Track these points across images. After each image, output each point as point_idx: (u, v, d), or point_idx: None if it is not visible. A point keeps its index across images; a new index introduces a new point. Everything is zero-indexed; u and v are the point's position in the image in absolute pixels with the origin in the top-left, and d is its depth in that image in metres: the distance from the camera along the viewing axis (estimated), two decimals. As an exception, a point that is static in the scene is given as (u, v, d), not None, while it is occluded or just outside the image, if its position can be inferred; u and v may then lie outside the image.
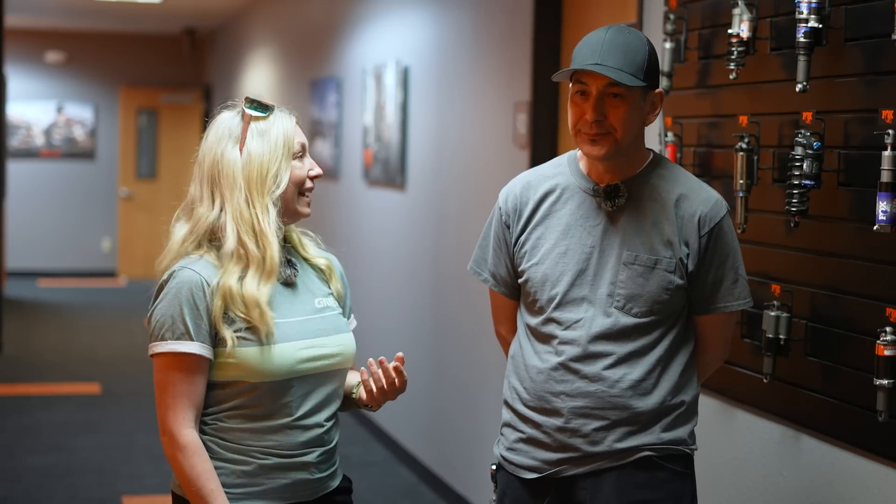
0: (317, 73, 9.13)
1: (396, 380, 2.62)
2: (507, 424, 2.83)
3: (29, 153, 15.29)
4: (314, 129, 9.07)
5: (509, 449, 2.82)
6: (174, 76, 15.67)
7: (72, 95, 15.47)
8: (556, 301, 2.74)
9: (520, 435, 2.79)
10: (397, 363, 2.62)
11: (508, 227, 2.84)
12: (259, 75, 11.80)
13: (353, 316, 2.78)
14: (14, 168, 14.66)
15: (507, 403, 2.84)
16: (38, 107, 15.34)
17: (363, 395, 2.67)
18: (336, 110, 8.39)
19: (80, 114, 15.47)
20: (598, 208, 2.74)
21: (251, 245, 2.52)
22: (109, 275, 15.48)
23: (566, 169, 2.80)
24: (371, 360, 2.62)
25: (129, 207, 15.45)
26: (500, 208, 2.86)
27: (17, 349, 10.12)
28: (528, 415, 2.77)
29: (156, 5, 12.25)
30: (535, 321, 2.78)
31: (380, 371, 2.61)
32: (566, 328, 2.73)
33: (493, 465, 2.89)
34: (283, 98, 10.52)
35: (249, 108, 2.59)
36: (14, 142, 15.08)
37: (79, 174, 15.45)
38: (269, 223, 2.53)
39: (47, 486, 6.20)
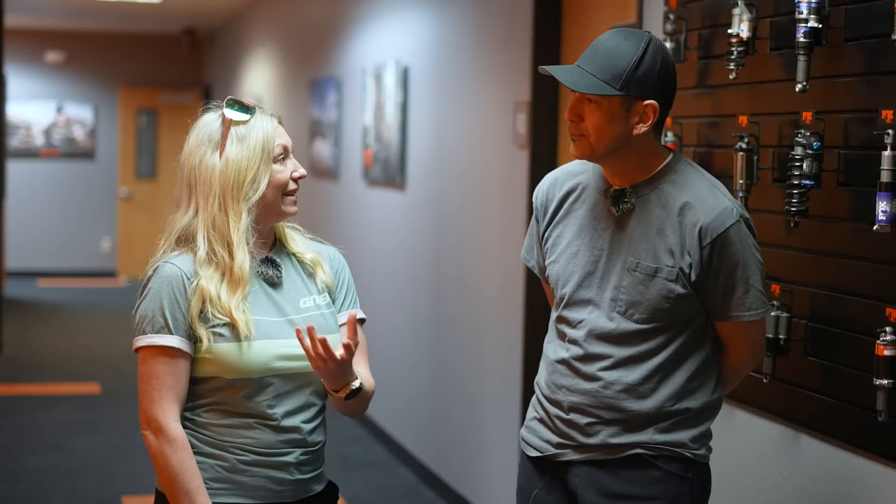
0: (316, 73, 9.13)
1: (325, 354, 2.46)
2: (531, 404, 2.91)
3: (29, 153, 15.29)
4: (314, 129, 9.07)
5: (526, 427, 2.90)
6: (174, 76, 15.67)
7: (71, 95, 15.46)
8: (564, 300, 2.78)
9: (535, 415, 2.87)
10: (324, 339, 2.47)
11: (538, 222, 2.89)
12: (259, 75, 11.80)
13: (358, 308, 2.72)
14: (14, 168, 14.65)
15: (535, 386, 2.91)
16: (37, 107, 15.34)
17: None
18: (336, 110, 8.39)
19: (80, 114, 15.47)
20: (609, 212, 2.75)
21: (220, 252, 2.53)
22: (109, 275, 15.47)
23: (590, 168, 2.81)
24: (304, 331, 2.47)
25: (129, 207, 15.45)
26: (534, 203, 2.90)
27: (17, 349, 10.12)
28: (542, 401, 2.84)
29: (156, 5, 12.25)
30: (554, 316, 2.85)
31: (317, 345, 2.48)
32: (572, 327, 2.77)
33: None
34: (283, 98, 10.52)
35: (230, 110, 2.57)
36: (14, 142, 15.08)
37: (78, 174, 15.44)
38: (240, 231, 2.53)
39: (47, 486, 6.20)
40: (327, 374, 2.51)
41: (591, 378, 2.72)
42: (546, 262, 2.85)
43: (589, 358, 2.73)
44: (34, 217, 15.17)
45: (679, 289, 2.66)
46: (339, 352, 2.46)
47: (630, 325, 2.69)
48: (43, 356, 9.95)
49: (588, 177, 2.80)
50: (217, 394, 2.55)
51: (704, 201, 2.66)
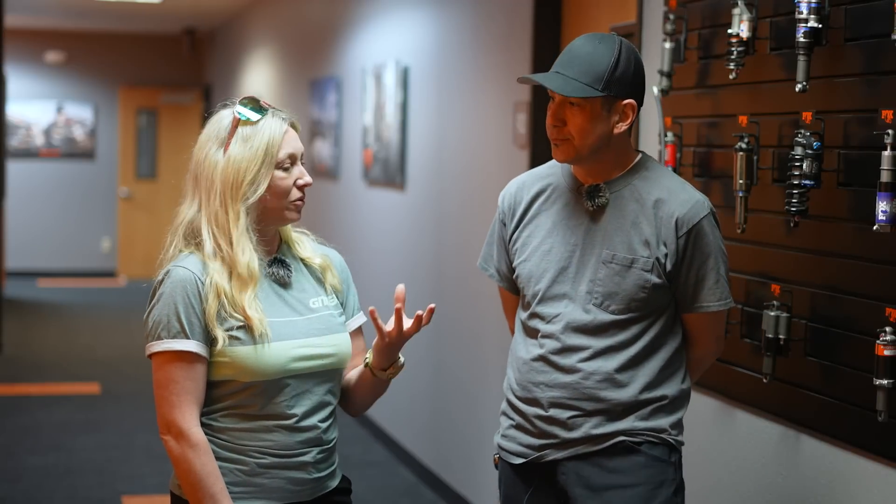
0: (316, 73, 9.13)
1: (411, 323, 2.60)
2: (502, 413, 2.94)
3: (29, 153, 15.29)
4: (314, 129, 9.08)
5: (503, 436, 2.92)
6: (174, 76, 15.67)
7: (71, 95, 15.47)
8: (539, 296, 2.84)
9: (510, 422, 2.90)
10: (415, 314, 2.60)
11: (505, 226, 2.94)
12: (259, 75, 11.80)
13: (361, 312, 2.77)
14: (14, 168, 14.65)
15: (504, 393, 2.94)
16: (37, 107, 15.34)
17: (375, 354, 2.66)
18: (336, 110, 8.39)
19: (80, 114, 15.47)
20: (583, 208, 2.81)
21: (225, 247, 2.53)
22: (109, 275, 15.48)
23: (558, 170, 2.89)
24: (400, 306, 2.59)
25: (129, 207, 15.45)
26: (498, 207, 2.96)
27: (17, 349, 10.12)
28: (516, 404, 2.87)
29: (156, 5, 12.26)
30: (524, 316, 2.89)
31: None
32: (548, 322, 2.82)
33: (495, 453, 2.97)
34: (283, 98, 10.52)
35: (242, 108, 2.57)
36: (14, 142, 15.08)
37: (78, 174, 15.45)
38: (239, 229, 2.53)
39: (47, 486, 6.20)
40: (390, 348, 2.62)
41: (570, 370, 2.78)
42: (515, 263, 2.90)
43: (567, 350, 2.79)
44: (34, 217, 15.17)
45: (655, 278, 2.75)
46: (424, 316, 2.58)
47: (606, 317, 2.77)
48: (43, 356, 9.95)
49: (557, 178, 2.88)
50: (234, 397, 2.54)
51: (677, 194, 2.78)
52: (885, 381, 2.78)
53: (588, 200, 2.79)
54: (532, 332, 2.86)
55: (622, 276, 2.75)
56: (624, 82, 2.73)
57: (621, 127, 2.76)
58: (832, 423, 3.02)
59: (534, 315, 2.85)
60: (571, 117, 2.73)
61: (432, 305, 2.59)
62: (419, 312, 2.58)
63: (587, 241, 2.80)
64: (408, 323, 2.61)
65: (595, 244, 2.79)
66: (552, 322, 2.81)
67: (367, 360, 2.67)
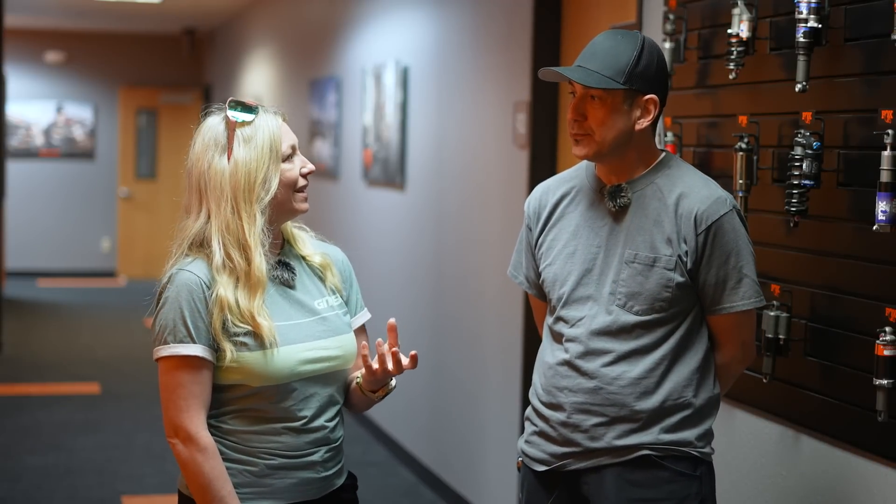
0: (316, 73, 9.14)
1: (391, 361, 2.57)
2: (527, 418, 2.91)
3: (28, 153, 15.29)
4: (314, 129, 9.08)
5: (526, 441, 2.89)
6: (174, 76, 15.67)
7: (71, 95, 15.46)
8: (563, 300, 2.80)
9: (534, 428, 2.86)
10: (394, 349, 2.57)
11: (531, 230, 2.92)
12: (259, 75, 11.80)
13: (365, 309, 2.77)
14: (14, 168, 14.65)
15: (530, 398, 2.91)
16: (37, 107, 15.34)
17: (364, 375, 2.65)
18: (335, 110, 8.39)
19: (80, 114, 15.47)
20: (606, 209, 2.78)
21: (236, 257, 2.52)
22: (109, 275, 15.47)
23: (582, 172, 2.86)
24: (379, 340, 2.60)
25: (129, 207, 15.44)
26: (525, 212, 2.94)
27: (16, 349, 10.12)
28: (540, 409, 2.84)
29: (155, 5, 12.26)
30: (550, 320, 2.86)
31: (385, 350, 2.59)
32: (571, 326, 2.78)
33: (519, 457, 2.95)
34: (283, 98, 10.53)
35: (233, 111, 2.56)
36: (14, 142, 15.08)
37: (78, 174, 15.45)
38: (255, 233, 2.52)
39: (47, 486, 6.20)
40: (377, 379, 2.61)
41: (593, 375, 2.74)
42: (541, 267, 2.87)
43: (590, 354, 2.74)
44: (34, 217, 15.17)
45: (678, 277, 2.70)
46: (405, 361, 2.57)
47: (630, 318, 2.72)
48: (43, 356, 9.95)
49: (581, 180, 2.85)
50: (244, 401, 2.54)
51: (699, 191, 2.73)
52: (884, 381, 2.78)
53: (610, 201, 2.75)
54: (557, 337, 2.82)
55: (645, 275, 2.71)
56: (646, 77, 2.70)
57: (643, 123, 2.72)
58: (832, 423, 3.02)
59: (559, 319, 2.81)
60: (592, 111, 2.70)
61: (414, 353, 2.57)
62: (396, 350, 2.54)
63: (610, 242, 2.76)
64: (391, 362, 2.58)
65: (618, 244, 2.74)
66: (576, 325, 2.77)
67: (358, 381, 2.68)
